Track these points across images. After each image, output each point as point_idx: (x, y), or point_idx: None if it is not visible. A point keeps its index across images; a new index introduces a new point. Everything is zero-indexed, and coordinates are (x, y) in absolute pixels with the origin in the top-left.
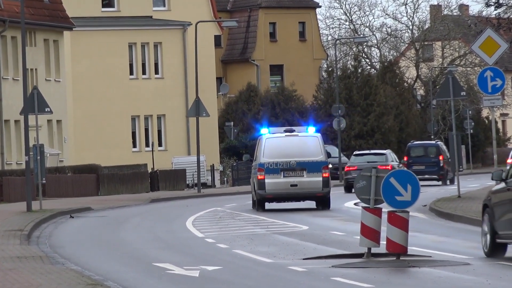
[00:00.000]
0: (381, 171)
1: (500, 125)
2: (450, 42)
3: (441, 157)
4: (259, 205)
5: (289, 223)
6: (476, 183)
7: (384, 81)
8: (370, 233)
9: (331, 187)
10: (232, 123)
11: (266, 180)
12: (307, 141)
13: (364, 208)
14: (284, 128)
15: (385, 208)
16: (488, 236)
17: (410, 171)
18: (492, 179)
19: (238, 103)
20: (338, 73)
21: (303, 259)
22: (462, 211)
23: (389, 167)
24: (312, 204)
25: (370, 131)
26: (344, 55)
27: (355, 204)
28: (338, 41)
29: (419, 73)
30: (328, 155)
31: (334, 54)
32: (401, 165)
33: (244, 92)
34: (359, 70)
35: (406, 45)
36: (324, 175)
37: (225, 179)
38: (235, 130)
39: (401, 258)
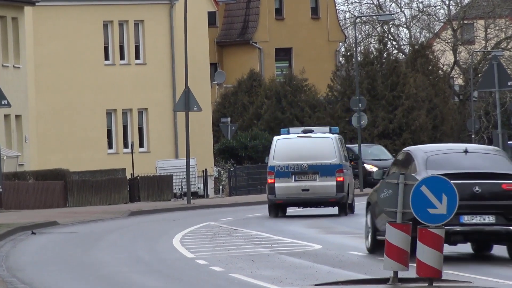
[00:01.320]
0: (411, 177)
1: None
2: (495, 21)
3: None
4: (270, 211)
5: (298, 241)
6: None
7: (414, 68)
8: (397, 253)
9: (348, 192)
10: (229, 119)
11: (276, 184)
12: (320, 142)
13: (390, 223)
14: (303, 128)
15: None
16: (370, 233)
17: (445, 178)
18: (373, 179)
19: (236, 94)
20: (359, 58)
21: (315, 285)
22: None
23: None
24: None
25: (397, 129)
26: (366, 37)
27: None
28: (358, 19)
29: (457, 58)
30: (357, 156)
31: (354, 35)
32: None
33: (244, 81)
34: (384, 55)
35: (442, 24)
36: (338, 179)
37: (221, 187)
38: (233, 128)
39: (434, 284)
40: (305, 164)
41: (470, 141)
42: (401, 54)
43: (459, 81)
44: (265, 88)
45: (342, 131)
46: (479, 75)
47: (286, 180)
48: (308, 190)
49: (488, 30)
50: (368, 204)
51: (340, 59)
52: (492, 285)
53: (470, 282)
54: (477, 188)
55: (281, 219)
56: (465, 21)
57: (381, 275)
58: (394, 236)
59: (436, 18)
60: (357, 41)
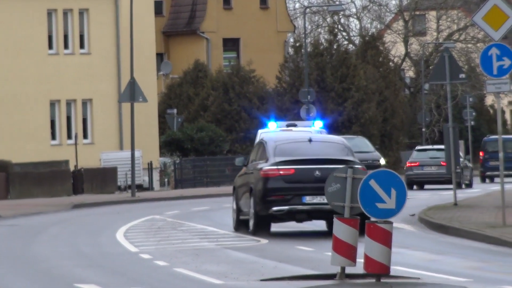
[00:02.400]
0: (359, 171)
1: (507, 115)
2: (447, 12)
3: None
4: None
5: (245, 236)
6: (477, 188)
7: (365, 59)
8: (344, 249)
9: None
10: (175, 110)
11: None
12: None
13: (337, 218)
14: (287, 122)
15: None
16: (235, 214)
17: (394, 172)
18: (236, 165)
19: (183, 85)
20: (308, 49)
21: (261, 280)
22: (459, 223)
23: None
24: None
25: (346, 122)
26: (316, 27)
27: None
28: (308, 10)
29: (408, 50)
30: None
31: (303, 26)
32: (466, 162)
33: (191, 72)
34: (334, 46)
35: (393, 15)
36: None
37: (166, 180)
38: (179, 120)
39: (382, 280)
40: None
41: (420, 134)
42: (351, 45)
43: (410, 73)
44: (212, 79)
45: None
46: (430, 68)
47: None
48: None
49: (440, 21)
50: (234, 188)
51: (289, 50)
52: (441, 281)
53: (418, 278)
54: (317, 172)
55: (227, 213)
56: (417, 12)
57: (328, 270)
58: (342, 231)
59: (387, 9)
60: (307, 32)
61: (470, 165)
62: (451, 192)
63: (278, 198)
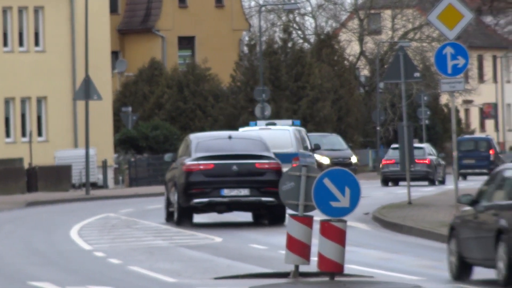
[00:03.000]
0: (313, 170)
1: (462, 115)
2: (402, 11)
3: (491, 152)
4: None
5: (199, 234)
6: (431, 187)
7: (320, 58)
8: (298, 247)
9: None
10: (130, 108)
11: None
12: (279, 134)
13: (291, 216)
14: (267, 122)
15: (318, 216)
16: (165, 206)
17: (348, 171)
18: (165, 160)
19: (138, 83)
20: (263, 47)
21: (214, 278)
22: (413, 221)
23: (427, 161)
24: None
25: (301, 121)
26: (271, 26)
27: None
28: (263, 8)
29: (364, 49)
30: (317, 147)
31: (258, 24)
32: (439, 160)
33: (146, 70)
34: (289, 45)
35: (348, 13)
36: (294, 165)
37: (121, 178)
38: (134, 118)
39: (335, 279)
40: None
41: (375, 133)
42: (306, 44)
43: (365, 72)
44: (167, 78)
45: (245, 122)
46: (385, 66)
47: None
48: None
49: (395, 20)
50: (165, 182)
51: (244, 48)
52: (394, 280)
53: (372, 276)
54: (235, 167)
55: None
56: (372, 11)
57: (282, 268)
58: (296, 229)
59: (343, 8)
60: (262, 30)
61: (443, 162)
62: (414, 190)
63: (199, 191)
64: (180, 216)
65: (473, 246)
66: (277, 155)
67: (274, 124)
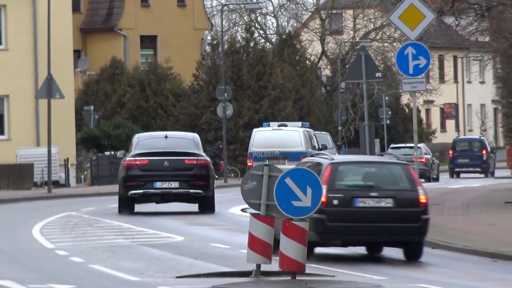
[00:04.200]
0: (275, 169)
1: (423, 115)
2: (364, 11)
3: (484, 152)
4: None
5: (161, 233)
6: (443, 181)
7: (281, 58)
8: (260, 246)
9: None
10: (92, 107)
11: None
12: (290, 134)
13: (253, 215)
14: (279, 123)
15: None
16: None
17: (310, 170)
18: (117, 157)
19: (100, 82)
20: (225, 47)
21: (177, 277)
22: None
23: (423, 160)
24: (192, 208)
25: (263, 120)
26: (233, 25)
27: (242, 210)
28: (225, 8)
29: (325, 48)
30: (324, 147)
31: (221, 24)
32: (434, 159)
33: (108, 69)
34: (251, 44)
35: (310, 13)
36: None
37: (83, 176)
38: (96, 116)
39: (297, 278)
40: (277, 151)
41: (336, 133)
42: (268, 44)
43: (326, 71)
44: (129, 76)
45: (207, 121)
46: (346, 66)
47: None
48: None
49: (356, 20)
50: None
51: (206, 47)
52: (355, 279)
53: (333, 276)
54: (166, 163)
55: (143, 209)
56: (334, 11)
57: (243, 268)
58: (257, 228)
59: (304, 7)
60: (224, 30)
61: (437, 161)
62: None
63: (135, 183)
64: (121, 206)
65: (279, 224)
66: (288, 153)
67: (285, 125)
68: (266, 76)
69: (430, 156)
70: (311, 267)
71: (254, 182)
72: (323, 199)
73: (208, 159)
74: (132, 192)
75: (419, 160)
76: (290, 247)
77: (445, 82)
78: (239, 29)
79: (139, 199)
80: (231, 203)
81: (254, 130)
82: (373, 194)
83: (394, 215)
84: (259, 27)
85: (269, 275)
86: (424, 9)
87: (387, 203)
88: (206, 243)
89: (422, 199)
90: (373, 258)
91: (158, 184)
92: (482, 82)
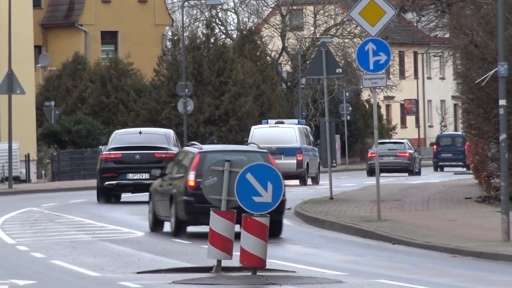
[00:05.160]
0: (236, 164)
1: (383, 111)
2: (324, 7)
3: (466, 146)
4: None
5: (122, 228)
6: (352, 182)
7: (242, 54)
8: (220, 242)
9: (308, 168)
10: (53, 102)
11: None
12: (286, 131)
13: (214, 211)
14: (276, 120)
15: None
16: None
17: (271, 166)
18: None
19: (61, 78)
20: (186, 42)
21: (137, 272)
22: (335, 217)
23: (407, 155)
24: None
25: (223, 116)
26: (194, 21)
27: None
28: (186, 3)
29: (286, 44)
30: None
31: (181, 19)
32: (416, 153)
33: (69, 65)
34: (212, 40)
35: (270, 9)
36: (298, 158)
37: (43, 172)
38: (57, 112)
39: (258, 274)
40: (274, 147)
41: None
42: (228, 40)
43: (287, 67)
44: (90, 72)
45: (168, 117)
46: (307, 62)
47: None
48: None
49: (317, 16)
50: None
51: (167, 43)
52: (317, 274)
53: (294, 271)
54: (137, 156)
55: (105, 206)
56: (294, 7)
57: (204, 263)
58: (218, 224)
59: (265, 3)
60: (184, 26)
61: (419, 156)
62: (336, 185)
63: (110, 175)
64: (98, 195)
65: (160, 206)
66: (284, 149)
67: (282, 122)
68: (227, 72)
69: (413, 151)
70: (272, 263)
71: (215, 177)
72: (191, 183)
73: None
74: (107, 182)
75: (402, 154)
76: (250, 243)
77: (406, 78)
78: (200, 25)
79: (115, 189)
80: None
81: (253, 127)
82: None
83: None
84: (219, 23)
85: (230, 270)
86: (384, 5)
87: None
88: (167, 239)
89: None
90: (334, 254)
91: (130, 176)
92: (442, 78)
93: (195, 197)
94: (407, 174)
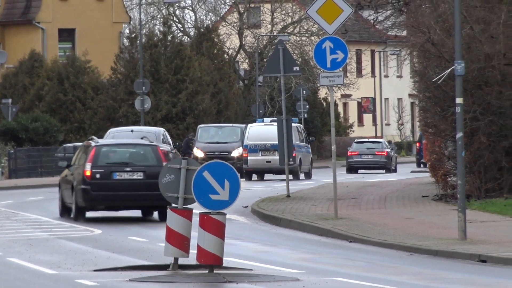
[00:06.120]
0: (193, 162)
1: (340, 109)
2: (282, 5)
3: (424, 144)
4: (245, 177)
5: (79, 226)
6: (309, 180)
7: (199, 51)
8: (177, 239)
9: (300, 164)
10: (10, 100)
11: (248, 157)
12: None
13: (171, 209)
14: (271, 118)
15: (197, 209)
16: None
17: (228, 164)
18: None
19: (18, 75)
20: (143, 40)
21: (94, 270)
22: (292, 215)
23: (384, 153)
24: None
25: (180, 113)
26: (151, 19)
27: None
28: (143, 1)
29: (243, 42)
30: (313, 140)
31: (139, 17)
32: (393, 152)
33: (26, 62)
34: (169, 38)
35: (228, 7)
36: (294, 154)
37: (0, 170)
38: (14, 109)
39: (215, 271)
40: (268, 144)
41: None
42: (186, 37)
43: (244, 65)
44: (47, 70)
45: (125, 115)
46: (264, 60)
47: (255, 155)
48: (270, 162)
49: (274, 14)
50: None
51: (124, 41)
52: (273, 272)
53: (251, 269)
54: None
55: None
56: (252, 5)
57: (161, 261)
58: (175, 221)
59: (222, 1)
60: (142, 23)
61: (396, 154)
62: (293, 184)
63: None
64: None
65: (66, 194)
66: (278, 145)
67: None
68: (184, 70)
69: (390, 150)
70: (229, 261)
71: (172, 175)
72: (88, 173)
73: (167, 149)
74: None
75: (380, 153)
76: (207, 241)
77: (363, 76)
78: (157, 22)
79: None
80: None
81: (249, 125)
82: (128, 169)
83: (144, 185)
84: (177, 20)
85: (187, 268)
86: (342, 3)
87: (139, 176)
88: (124, 237)
89: None
90: (291, 252)
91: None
92: (400, 77)
93: (91, 185)
94: (383, 172)
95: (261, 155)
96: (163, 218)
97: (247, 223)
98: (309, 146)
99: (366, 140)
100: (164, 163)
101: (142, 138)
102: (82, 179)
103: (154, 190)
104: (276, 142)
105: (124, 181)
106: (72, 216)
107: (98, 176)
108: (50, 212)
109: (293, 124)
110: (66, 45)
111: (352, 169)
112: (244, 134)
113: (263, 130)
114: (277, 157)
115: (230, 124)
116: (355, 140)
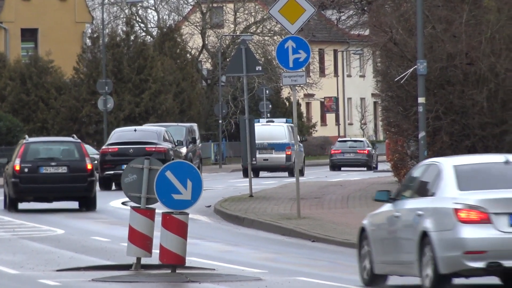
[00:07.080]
0: (156, 162)
1: (303, 108)
2: (244, 5)
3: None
4: (244, 175)
5: (42, 226)
6: (271, 180)
7: (162, 51)
8: (140, 239)
9: (295, 162)
10: None
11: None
12: (276, 128)
13: (133, 208)
14: (267, 119)
15: (160, 209)
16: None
17: (190, 163)
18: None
19: None
20: (106, 40)
21: (57, 270)
22: (255, 214)
23: (366, 152)
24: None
25: (143, 113)
26: (114, 18)
27: (123, 203)
28: (106, 1)
29: (206, 42)
30: (305, 139)
31: (101, 17)
32: (374, 151)
33: None
34: (132, 37)
35: (191, 7)
36: (287, 153)
37: None
38: None
39: (177, 271)
40: (265, 143)
41: (217, 126)
42: (149, 37)
43: (207, 65)
44: (10, 70)
45: (88, 115)
46: (227, 60)
47: None
48: (267, 160)
49: (237, 14)
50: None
51: (87, 41)
52: (236, 272)
53: (214, 269)
54: (131, 150)
55: (25, 204)
56: (215, 5)
57: (124, 261)
58: (138, 221)
59: (185, 1)
60: (105, 23)
61: (376, 152)
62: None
63: (108, 166)
64: (100, 184)
65: (9, 188)
66: (274, 144)
67: (272, 121)
68: (147, 70)
69: (371, 148)
70: (191, 260)
71: (134, 175)
72: (17, 168)
73: (168, 146)
74: (107, 172)
75: (362, 152)
76: (170, 240)
77: (326, 76)
78: (120, 22)
79: (113, 178)
80: (111, 197)
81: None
82: (53, 163)
83: (68, 178)
84: (140, 20)
85: (150, 268)
86: (304, 3)
87: (63, 170)
88: (86, 236)
89: (89, 166)
90: (253, 252)
91: (125, 167)
92: (362, 76)
93: (20, 179)
94: (365, 169)
95: (259, 153)
96: (82, 207)
97: (210, 223)
98: (302, 145)
99: (349, 139)
100: (87, 159)
101: (135, 131)
102: (13, 173)
103: (77, 183)
104: (273, 141)
105: (49, 174)
106: (5, 207)
107: (26, 170)
108: (13, 213)
109: (286, 124)
110: (29, 45)
111: (335, 166)
112: (192, 133)
113: (260, 130)
114: (274, 155)
115: (175, 124)
116: (338, 139)
